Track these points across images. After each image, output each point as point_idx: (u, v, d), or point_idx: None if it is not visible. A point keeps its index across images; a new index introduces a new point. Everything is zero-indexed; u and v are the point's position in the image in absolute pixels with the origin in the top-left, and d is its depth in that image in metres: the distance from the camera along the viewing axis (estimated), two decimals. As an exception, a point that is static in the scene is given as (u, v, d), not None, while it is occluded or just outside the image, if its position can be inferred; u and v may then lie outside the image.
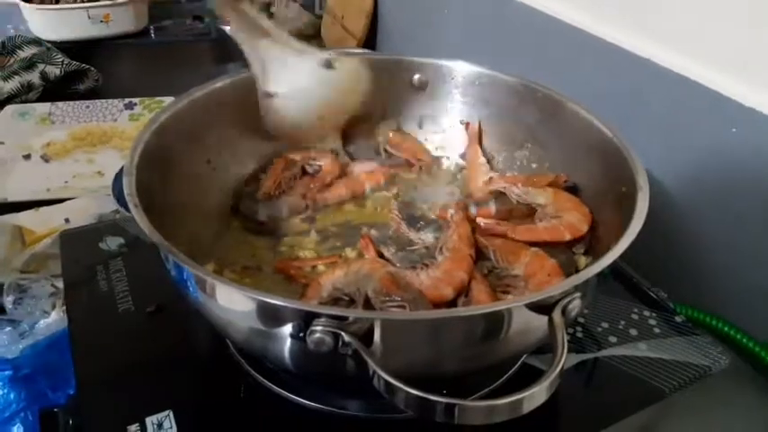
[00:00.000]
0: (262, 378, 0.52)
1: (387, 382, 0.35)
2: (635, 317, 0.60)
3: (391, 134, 0.71)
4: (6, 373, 0.60)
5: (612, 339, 0.57)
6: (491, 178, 0.63)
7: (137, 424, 0.48)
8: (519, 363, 0.53)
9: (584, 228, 0.55)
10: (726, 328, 0.61)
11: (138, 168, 0.49)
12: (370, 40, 1.37)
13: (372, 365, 0.36)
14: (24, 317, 0.68)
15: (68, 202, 0.83)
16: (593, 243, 0.55)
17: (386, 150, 0.71)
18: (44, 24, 1.33)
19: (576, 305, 0.40)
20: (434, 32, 1.13)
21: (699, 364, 0.55)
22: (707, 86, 0.61)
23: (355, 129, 0.70)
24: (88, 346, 0.55)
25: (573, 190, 0.60)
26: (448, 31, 1.07)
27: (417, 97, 0.70)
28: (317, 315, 0.37)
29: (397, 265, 0.53)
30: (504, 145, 0.67)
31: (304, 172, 0.67)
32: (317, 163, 0.68)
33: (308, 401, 0.50)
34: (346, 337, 0.36)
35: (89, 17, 1.32)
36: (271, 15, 1.47)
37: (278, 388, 0.51)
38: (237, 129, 0.65)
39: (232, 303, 0.42)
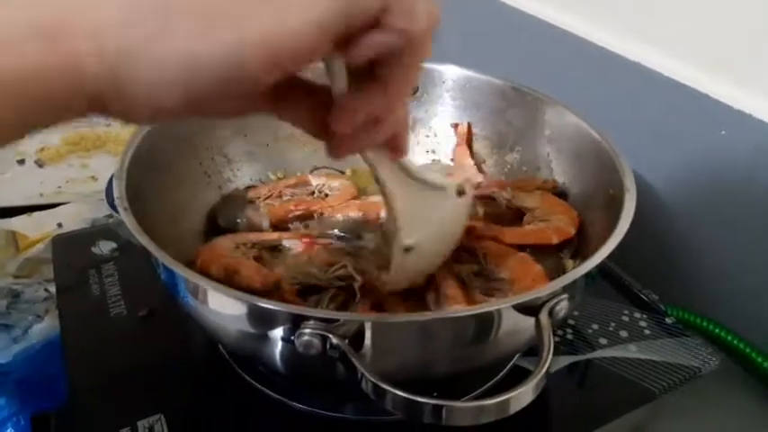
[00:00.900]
0: (253, 381, 0.52)
1: (374, 385, 0.35)
2: (625, 318, 0.60)
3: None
4: (-1, 377, 0.60)
5: (603, 341, 0.57)
6: (479, 183, 0.63)
7: (128, 428, 0.48)
8: (510, 365, 0.53)
9: (572, 231, 0.55)
10: (716, 330, 0.62)
11: (129, 172, 0.49)
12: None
13: (360, 367, 0.36)
14: (17, 321, 0.68)
15: (61, 206, 0.83)
16: (581, 246, 0.55)
17: None
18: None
19: (563, 306, 0.40)
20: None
21: (689, 366, 0.55)
22: (697, 89, 0.61)
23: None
24: (81, 351, 0.55)
25: (561, 194, 0.60)
26: (440, 36, 1.07)
27: (408, 101, 0.70)
28: (306, 318, 0.37)
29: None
30: (494, 148, 0.68)
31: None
32: (332, 184, 0.64)
33: (301, 404, 0.50)
34: (334, 340, 0.37)
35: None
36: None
37: (270, 391, 0.51)
38: (230, 132, 0.65)
39: (221, 306, 0.42)
